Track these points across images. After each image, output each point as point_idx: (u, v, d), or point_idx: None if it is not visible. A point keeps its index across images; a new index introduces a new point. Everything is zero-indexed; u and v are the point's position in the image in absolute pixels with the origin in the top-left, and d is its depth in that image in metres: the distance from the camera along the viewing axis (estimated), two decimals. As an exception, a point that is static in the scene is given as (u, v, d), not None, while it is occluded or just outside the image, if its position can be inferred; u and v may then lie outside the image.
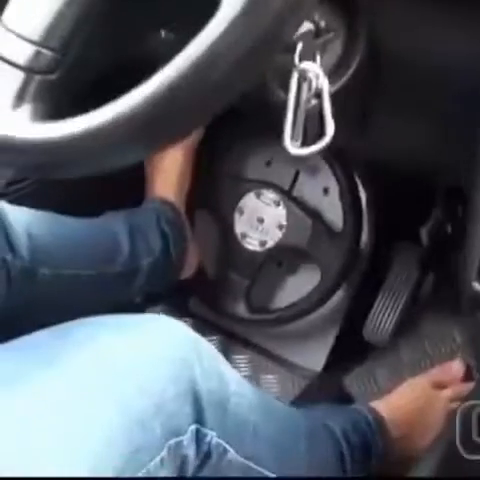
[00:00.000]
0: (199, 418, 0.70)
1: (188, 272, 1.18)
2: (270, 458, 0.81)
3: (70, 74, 0.57)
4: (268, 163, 1.21)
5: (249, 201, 1.19)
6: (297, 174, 1.19)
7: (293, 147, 0.63)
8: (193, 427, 0.70)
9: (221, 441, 0.73)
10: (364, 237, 1.14)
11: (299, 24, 0.53)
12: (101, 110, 0.50)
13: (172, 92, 0.48)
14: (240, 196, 1.20)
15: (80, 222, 1.04)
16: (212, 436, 0.72)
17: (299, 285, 1.19)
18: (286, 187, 1.19)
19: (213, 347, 0.77)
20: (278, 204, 1.17)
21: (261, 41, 0.47)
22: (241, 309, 1.19)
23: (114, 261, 1.03)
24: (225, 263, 1.23)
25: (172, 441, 0.68)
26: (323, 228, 1.14)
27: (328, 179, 1.15)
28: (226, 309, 1.21)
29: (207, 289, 1.24)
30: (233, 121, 1.14)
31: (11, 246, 0.91)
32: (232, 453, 0.75)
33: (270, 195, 1.18)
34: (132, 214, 1.11)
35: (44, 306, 0.96)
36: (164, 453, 0.67)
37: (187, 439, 0.69)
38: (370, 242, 1.15)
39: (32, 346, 0.67)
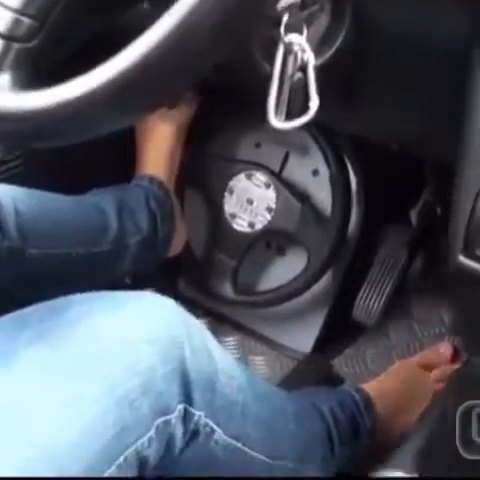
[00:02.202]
0: (187, 397, 0.70)
1: (175, 250, 1.18)
2: (258, 438, 0.81)
3: (49, 42, 0.57)
4: (258, 145, 1.21)
5: (239, 182, 1.19)
6: (287, 156, 1.19)
7: (277, 121, 0.63)
8: (181, 406, 0.70)
9: (209, 421, 0.73)
10: (353, 219, 1.14)
11: None
12: (79, 79, 0.50)
13: (150, 59, 0.48)
14: (231, 176, 1.20)
15: (68, 200, 1.03)
16: (200, 415, 0.72)
17: (286, 268, 1.19)
18: (276, 169, 1.19)
19: (203, 326, 0.77)
20: (268, 186, 1.17)
21: (237, 8, 0.47)
22: (227, 290, 1.19)
23: (102, 239, 1.03)
24: (213, 243, 1.23)
25: (160, 420, 0.68)
26: (312, 212, 1.14)
27: (318, 161, 1.15)
28: (212, 289, 1.21)
29: (194, 269, 1.24)
30: (223, 101, 1.14)
31: None
32: (219, 433, 0.75)
33: (261, 177, 1.18)
34: (120, 191, 1.11)
35: (32, 285, 0.95)
36: (152, 432, 0.67)
37: (175, 418, 0.69)
38: (359, 224, 1.15)
39: (24, 323, 0.67)
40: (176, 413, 0.69)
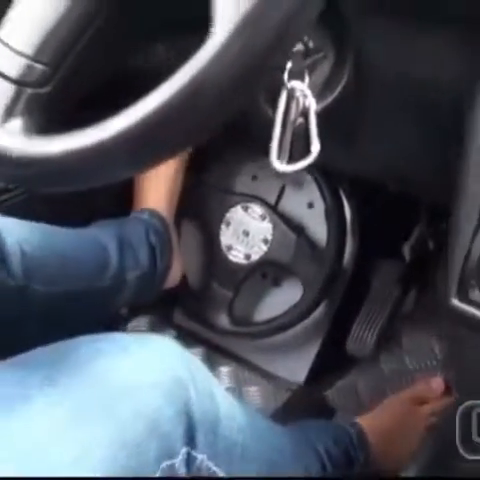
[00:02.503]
0: (191, 440, 0.70)
1: (172, 282, 1.19)
2: (255, 474, 0.81)
3: (61, 88, 0.58)
4: (254, 177, 1.22)
5: (236, 214, 1.21)
6: (283, 188, 1.20)
7: (279, 164, 0.65)
8: (184, 450, 0.70)
9: (210, 463, 0.73)
10: (347, 252, 1.16)
11: (288, 52, 0.54)
12: (91, 129, 0.51)
13: (161, 116, 0.49)
14: (227, 208, 1.21)
15: (71, 234, 1.04)
16: (202, 458, 0.72)
17: (282, 299, 1.20)
18: (272, 201, 1.20)
19: (205, 368, 0.77)
20: (264, 218, 1.19)
21: (250, 69, 0.49)
22: (224, 321, 1.20)
23: (103, 275, 1.04)
24: (209, 274, 1.24)
25: (165, 464, 0.67)
26: (307, 244, 1.16)
27: (313, 193, 1.17)
28: (209, 320, 1.22)
29: (190, 300, 1.25)
30: (221, 135, 1.16)
31: (4, 264, 0.91)
32: (220, 474, 0.75)
33: (257, 209, 1.19)
34: (121, 225, 1.12)
35: (35, 322, 0.96)
36: (157, 476, 0.67)
37: (179, 462, 0.69)
38: (353, 257, 1.16)
39: (32, 366, 0.67)
40: (180, 456, 0.69)
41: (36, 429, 0.61)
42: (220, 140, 1.18)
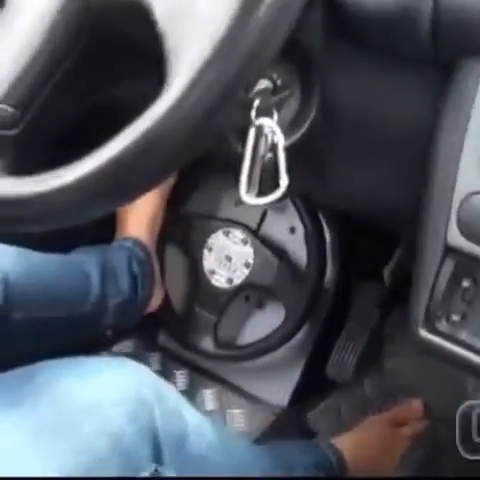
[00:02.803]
0: (157, 457, 0.71)
1: (153, 307, 1.21)
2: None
3: (30, 130, 0.59)
4: (237, 202, 1.24)
5: (217, 239, 1.22)
6: (265, 213, 1.22)
7: (248, 197, 0.66)
8: (152, 466, 0.71)
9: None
10: (328, 275, 1.17)
11: (238, 103, 0.56)
12: (60, 170, 0.52)
13: (117, 164, 0.51)
14: (209, 234, 1.23)
15: (54, 261, 1.06)
16: (170, 474, 0.73)
17: (265, 322, 1.21)
18: (254, 226, 1.22)
19: (174, 389, 0.78)
20: (246, 243, 1.20)
21: (202, 123, 0.52)
22: (208, 344, 1.22)
23: (84, 301, 1.06)
24: (193, 298, 1.25)
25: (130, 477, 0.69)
26: (288, 268, 1.17)
27: (294, 219, 1.18)
28: (193, 343, 1.24)
29: (175, 323, 1.26)
30: (202, 162, 1.17)
31: None
32: None
33: (238, 234, 1.21)
34: (105, 253, 1.13)
35: (13, 348, 0.97)
36: None
37: (147, 476, 0.70)
38: (334, 280, 1.18)
39: None
40: (147, 472, 0.70)
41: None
42: (201, 167, 1.22)
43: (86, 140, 0.57)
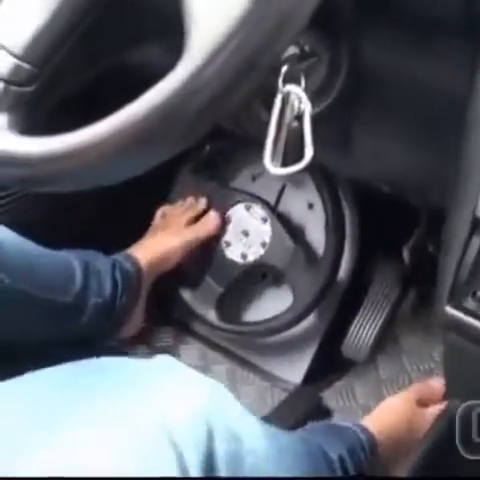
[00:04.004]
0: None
1: (129, 332, 1.21)
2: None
3: (47, 87, 0.58)
4: (254, 178, 1.23)
5: (237, 212, 1.22)
6: (283, 189, 1.20)
7: (272, 167, 0.65)
8: None
9: None
10: (346, 254, 1.15)
11: (261, 79, 0.55)
12: (76, 132, 0.51)
13: (143, 125, 0.50)
14: (230, 205, 1.22)
15: (39, 248, 1.06)
16: None
17: (272, 303, 1.20)
18: (272, 201, 1.20)
19: (236, 403, 0.73)
20: (265, 221, 1.19)
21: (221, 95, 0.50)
22: (212, 315, 1.21)
23: (66, 291, 1.07)
24: (205, 266, 1.24)
25: None
26: (303, 254, 1.16)
27: (313, 194, 1.17)
28: (197, 312, 1.23)
29: (183, 289, 1.25)
30: (220, 136, 1.16)
31: None
32: None
33: (259, 210, 1.20)
34: (89, 255, 1.14)
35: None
36: None
37: None
38: (352, 259, 1.16)
39: (59, 386, 0.65)
40: None
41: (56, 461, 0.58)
42: (222, 137, 1.20)
43: (94, 106, 0.55)
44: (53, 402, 0.63)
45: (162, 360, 0.72)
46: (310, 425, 1.03)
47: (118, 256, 1.18)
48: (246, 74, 0.50)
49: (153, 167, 0.53)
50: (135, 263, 1.17)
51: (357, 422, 1.04)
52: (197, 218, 1.25)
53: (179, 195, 1.29)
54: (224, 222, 1.23)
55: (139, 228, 1.26)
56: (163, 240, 1.22)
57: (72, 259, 1.10)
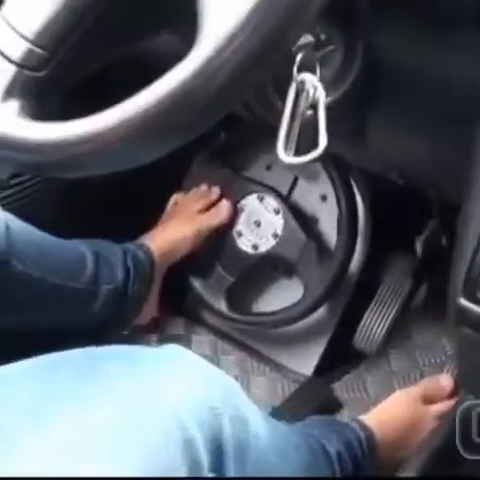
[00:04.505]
0: (219, 466, 0.68)
1: (142, 320, 1.20)
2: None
3: (58, 73, 0.58)
4: (268, 167, 1.22)
5: (251, 202, 1.22)
6: (296, 180, 1.20)
7: (286, 156, 0.64)
8: (211, 475, 0.66)
9: None
10: (359, 245, 1.15)
11: (274, 64, 0.54)
12: (88, 119, 0.51)
13: (157, 111, 0.50)
14: (243, 195, 1.22)
15: (49, 236, 1.06)
16: None
17: (283, 295, 1.20)
18: (285, 192, 1.20)
19: (241, 390, 0.74)
20: (278, 212, 1.19)
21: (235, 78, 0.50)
22: (222, 305, 1.21)
23: (78, 277, 1.06)
24: (216, 256, 1.24)
25: None
26: (315, 247, 1.15)
27: (326, 186, 1.16)
28: (207, 300, 1.22)
29: (193, 276, 1.25)
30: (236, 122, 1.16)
31: None
32: None
33: (272, 201, 1.19)
34: (98, 244, 1.13)
35: (12, 305, 0.98)
36: None
37: None
38: (365, 250, 1.16)
39: (60, 378, 0.65)
40: None
41: (59, 446, 0.58)
42: (237, 126, 1.20)
43: (105, 94, 0.55)
44: (62, 387, 0.63)
45: (171, 348, 0.72)
46: (310, 419, 1.03)
47: (130, 244, 1.17)
48: (262, 57, 0.50)
49: (168, 152, 0.53)
50: (147, 251, 1.17)
51: (357, 418, 1.04)
52: (209, 207, 1.25)
53: (193, 183, 1.29)
54: (236, 212, 1.23)
55: (151, 217, 1.26)
56: (175, 228, 1.22)
57: (83, 248, 1.10)
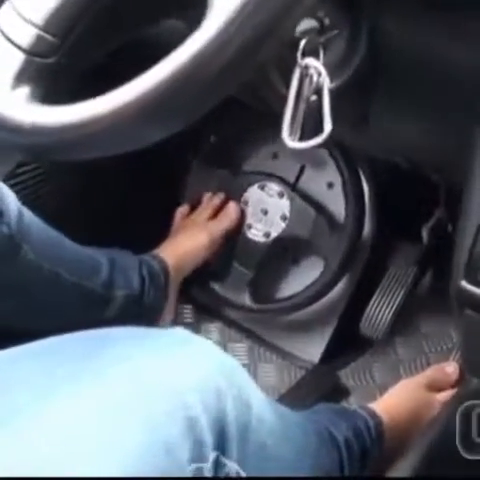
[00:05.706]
0: (221, 446, 0.68)
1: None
2: (276, 474, 0.81)
3: (68, 59, 0.59)
4: (275, 156, 1.23)
5: (254, 193, 1.22)
6: (302, 168, 1.21)
7: (291, 141, 0.65)
8: (214, 454, 0.67)
9: (239, 468, 0.71)
10: (366, 232, 1.16)
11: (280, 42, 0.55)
12: (95, 101, 0.52)
13: (166, 88, 0.50)
14: (245, 188, 1.22)
15: (65, 238, 1.05)
16: (232, 464, 0.70)
17: (303, 275, 1.21)
18: (291, 180, 1.20)
19: (245, 372, 0.75)
20: (282, 195, 1.19)
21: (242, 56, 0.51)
22: (246, 299, 1.21)
23: (93, 278, 1.05)
24: (230, 253, 1.25)
25: (194, 466, 0.65)
26: (326, 219, 1.16)
27: (333, 174, 1.17)
28: (230, 299, 1.23)
29: (210, 277, 1.26)
30: (240, 113, 1.16)
31: (1, 211, 0.92)
32: (244, 475, 0.72)
33: (274, 187, 1.20)
34: (114, 252, 1.12)
35: (18, 296, 0.97)
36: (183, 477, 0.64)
37: (207, 466, 0.67)
38: (371, 237, 1.16)
39: (60, 358, 0.66)
40: (210, 461, 0.67)
41: (61, 422, 0.59)
42: (239, 119, 1.20)
43: (114, 80, 0.56)
44: (68, 365, 0.64)
45: (177, 331, 0.73)
46: (318, 406, 1.03)
47: (144, 255, 1.16)
48: (267, 35, 0.51)
49: (174, 133, 0.53)
50: (161, 261, 1.16)
51: (366, 405, 1.05)
52: (217, 212, 1.25)
53: (193, 193, 1.29)
54: (242, 208, 1.23)
55: (158, 230, 1.25)
56: (188, 239, 1.22)
57: (98, 255, 1.09)
